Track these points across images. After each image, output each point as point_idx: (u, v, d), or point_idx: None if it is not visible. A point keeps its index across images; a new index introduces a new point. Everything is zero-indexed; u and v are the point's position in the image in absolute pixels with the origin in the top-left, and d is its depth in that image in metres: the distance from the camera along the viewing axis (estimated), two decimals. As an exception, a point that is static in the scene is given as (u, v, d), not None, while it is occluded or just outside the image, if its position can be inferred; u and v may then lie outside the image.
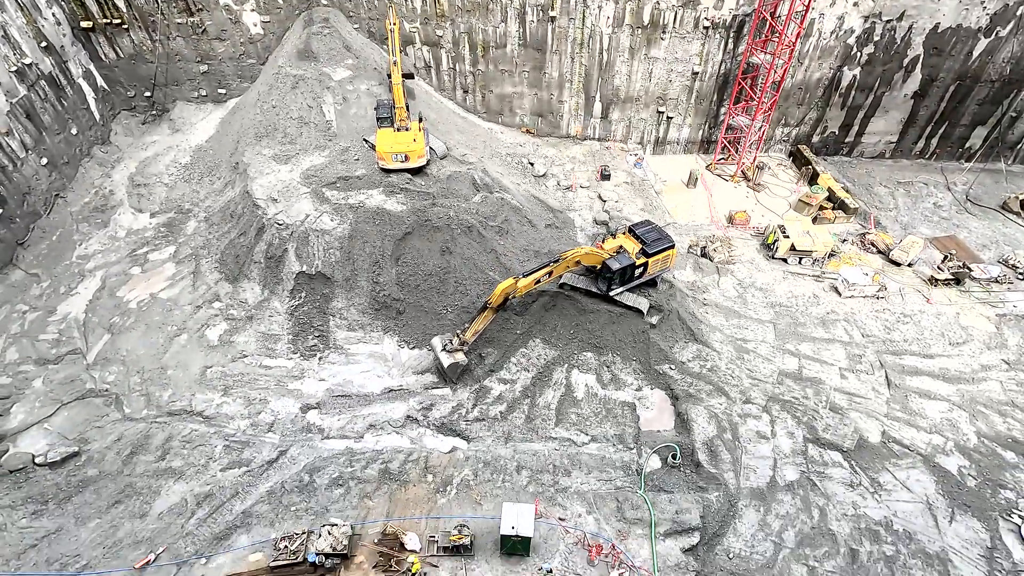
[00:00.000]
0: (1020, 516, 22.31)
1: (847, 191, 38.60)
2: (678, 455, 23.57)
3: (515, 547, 19.91)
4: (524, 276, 24.47)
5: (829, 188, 38.07)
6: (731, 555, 20.86)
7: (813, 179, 39.70)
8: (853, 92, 39.60)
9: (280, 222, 29.09)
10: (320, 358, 26.96)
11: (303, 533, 20.31)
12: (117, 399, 24.77)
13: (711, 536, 21.34)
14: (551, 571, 19.53)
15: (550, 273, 25.23)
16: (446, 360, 25.38)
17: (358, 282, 28.51)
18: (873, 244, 34.86)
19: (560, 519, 21.40)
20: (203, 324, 27.84)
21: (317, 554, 19.56)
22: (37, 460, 22.36)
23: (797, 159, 41.96)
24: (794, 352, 28.17)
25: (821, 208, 37.16)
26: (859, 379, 27.20)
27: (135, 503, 21.50)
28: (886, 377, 27.30)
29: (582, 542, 20.78)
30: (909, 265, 33.50)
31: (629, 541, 20.98)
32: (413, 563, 19.63)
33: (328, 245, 28.61)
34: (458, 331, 25.78)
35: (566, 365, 26.95)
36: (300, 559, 19.64)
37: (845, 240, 35.41)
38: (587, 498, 22.17)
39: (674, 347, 27.72)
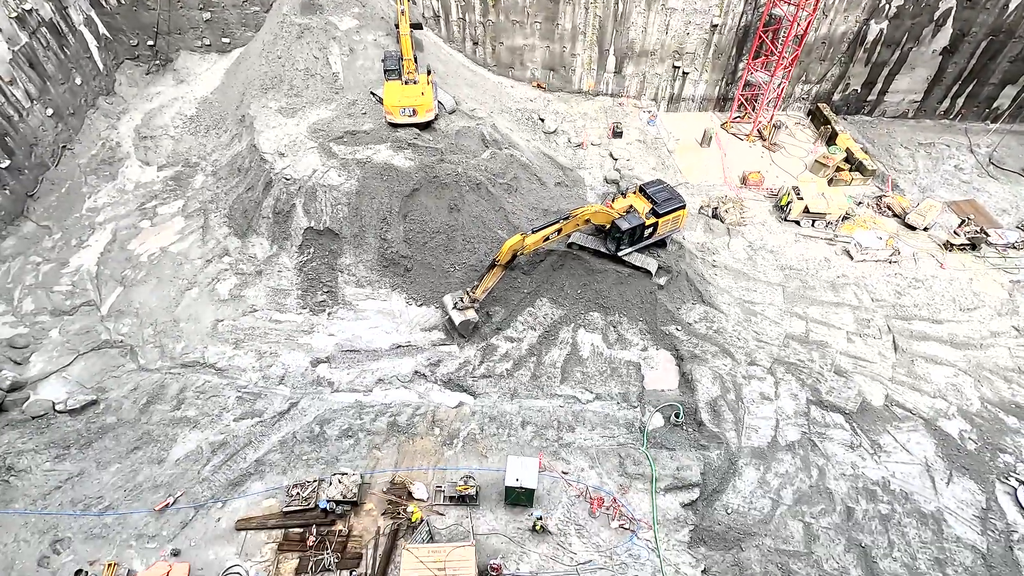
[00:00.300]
0: (1017, 479, 22.63)
1: (866, 152, 37.56)
2: (681, 414, 23.91)
3: (519, 498, 20.54)
4: (533, 232, 24.29)
5: (847, 149, 37.04)
6: (729, 510, 21.43)
7: (831, 139, 38.60)
8: (879, 47, 37.94)
9: (287, 177, 28.88)
10: (329, 313, 27.25)
11: (314, 481, 21.03)
12: (132, 350, 25.32)
13: (711, 492, 21.88)
14: (541, 518, 20.22)
15: (559, 231, 25.03)
16: (457, 317, 25.59)
17: (366, 239, 28.49)
18: (889, 207, 34.16)
19: (563, 472, 21.98)
20: (213, 278, 28.11)
21: (328, 501, 20.31)
22: (58, 407, 23.10)
23: (816, 118, 40.70)
24: (802, 315, 28.09)
25: (838, 170, 36.27)
26: (866, 343, 27.18)
27: (153, 450, 22.27)
28: (893, 342, 27.26)
29: (584, 495, 21.39)
30: (925, 229, 32.89)
31: (630, 495, 21.57)
32: (413, 511, 20.34)
33: (336, 201, 28.46)
34: (468, 289, 25.88)
35: (573, 324, 27.09)
36: (312, 505, 20.41)
37: (860, 203, 34.70)
38: (590, 453, 22.68)
39: (681, 308, 27.71)
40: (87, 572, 19.03)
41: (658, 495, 21.59)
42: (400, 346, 26.13)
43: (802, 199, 32.52)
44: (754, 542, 20.60)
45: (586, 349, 26.26)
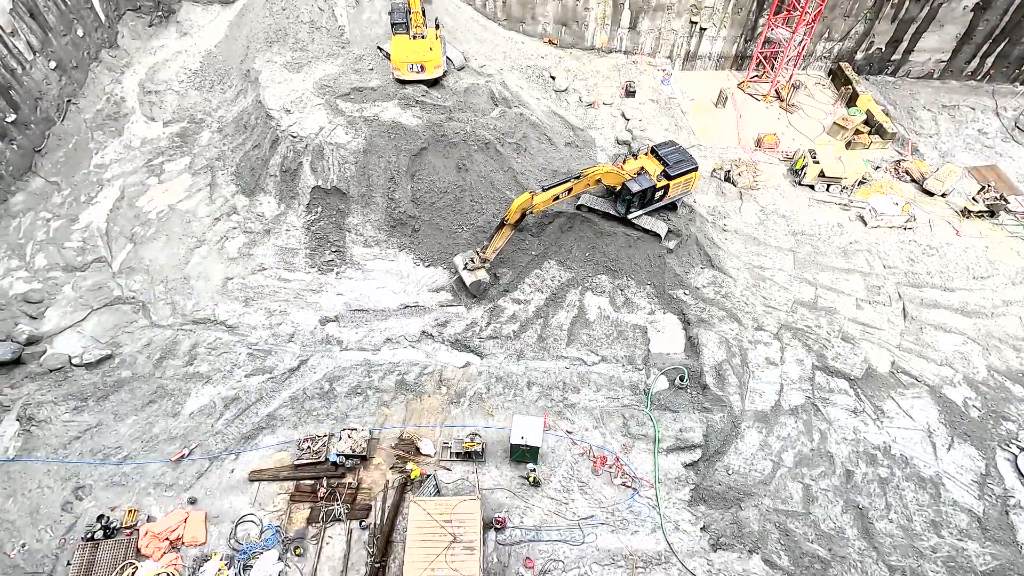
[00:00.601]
0: (1018, 446, 22.80)
1: (886, 114, 36.43)
2: (686, 377, 24.10)
3: (524, 455, 21.01)
4: (543, 191, 23.98)
5: (868, 111, 35.94)
6: (730, 471, 21.83)
7: (851, 100, 37.41)
8: (907, 3, 36.26)
9: (294, 134, 28.52)
10: (337, 273, 27.36)
11: (324, 436, 21.57)
12: (144, 306, 25.66)
13: (712, 453, 22.25)
14: (534, 469, 20.77)
15: (570, 190, 24.69)
16: (468, 278, 25.66)
17: (373, 198, 28.31)
18: (907, 172, 33.36)
19: (567, 432, 22.38)
20: (222, 237, 28.17)
21: (338, 455, 20.88)
22: (74, 361, 23.62)
23: (836, 78, 39.35)
24: (811, 281, 27.87)
25: (856, 132, 35.29)
26: (875, 310, 27.02)
27: (167, 403, 22.84)
28: (903, 309, 27.08)
29: (587, 453, 21.84)
30: (943, 195, 32.17)
31: (633, 455, 21.99)
32: (412, 469, 20.84)
33: (343, 159, 28.16)
34: (478, 249, 25.82)
35: (580, 287, 27.06)
36: (322, 459, 21.00)
37: (878, 167, 33.88)
38: (594, 414, 23.03)
39: (690, 272, 27.56)
40: (109, 517, 19.85)
41: (660, 455, 22.00)
42: (408, 306, 26.29)
43: (818, 163, 31.79)
44: (753, 502, 21.05)
45: (593, 312, 26.31)
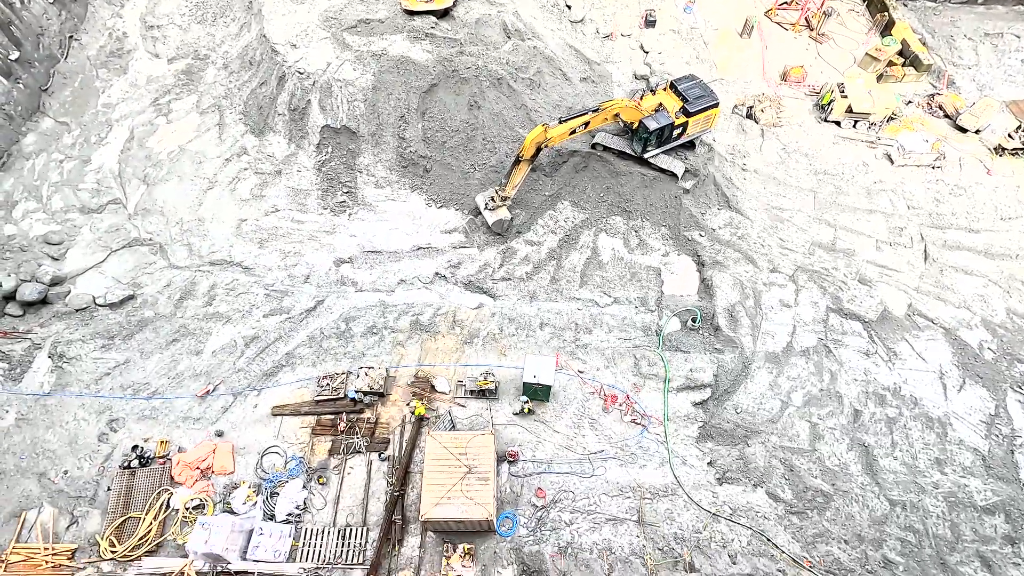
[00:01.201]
0: (1031, 388, 22.84)
1: (923, 44, 34.25)
2: (698, 319, 24.16)
3: (536, 394, 21.54)
4: (560, 123, 23.30)
5: (903, 40, 33.77)
6: (739, 410, 22.25)
7: (887, 29, 35.13)
8: (956, -83, 33.30)
9: (301, 71, 27.71)
10: (350, 214, 27.29)
11: (342, 373, 22.24)
12: (161, 248, 25.99)
13: (722, 393, 22.61)
14: (528, 401, 21.48)
15: (587, 124, 23.92)
16: (490, 217, 25.66)
17: (384, 137, 27.77)
18: (941, 107, 31.73)
19: (579, 371, 22.80)
20: (233, 178, 28.03)
21: (356, 392, 21.58)
22: (98, 301, 24.26)
23: (872, 4, 36.79)
24: (831, 223, 27.25)
25: (890, 64, 33.34)
26: (895, 252, 26.50)
27: (190, 342, 23.54)
28: (924, 251, 26.51)
29: (598, 392, 22.32)
30: (977, 132, 30.69)
31: (643, 393, 22.44)
32: (416, 406, 21.41)
33: (352, 97, 27.44)
34: (497, 187, 25.49)
35: (594, 228, 26.77)
36: (341, 395, 21.74)
37: (910, 102, 32.24)
38: (606, 354, 23.35)
39: (706, 213, 27.04)
40: (142, 448, 20.97)
41: (670, 394, 22.42)
42: (420, 248, 26.31)
43: (846, 97, 30.31)
44: (760, 439, 21.56)
45: (606, 254, 26.14)
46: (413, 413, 21.49)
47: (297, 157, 28.35)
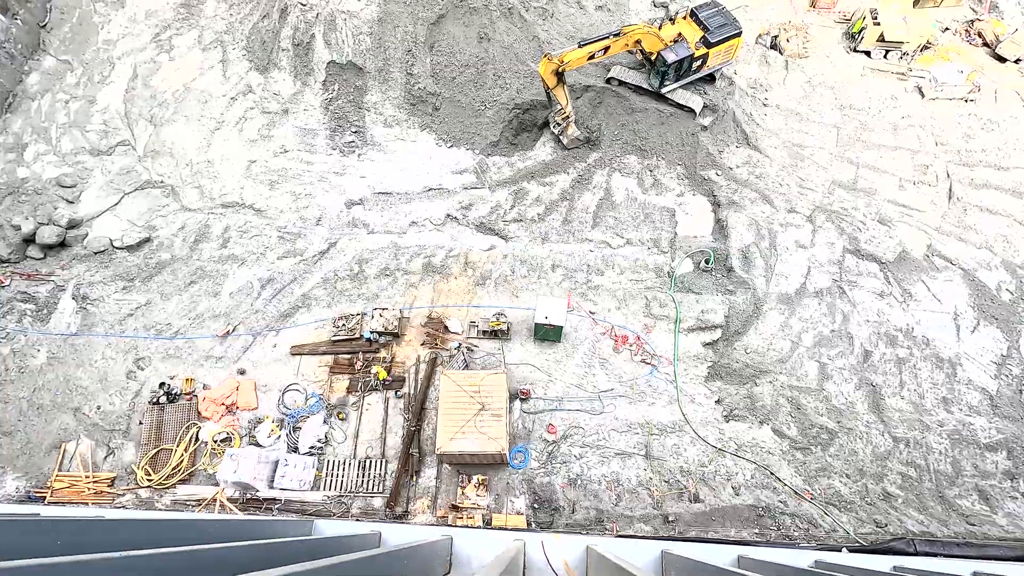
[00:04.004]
0: (1046, 329, 22.67)
1: (967, -37, 31.75)
2: (711, 260, 23.98)
3: (547, 334, 21.86)
4: (579, 47, 22.40)
5: (946, -41, 31.30)
6: (748, 351, 22.46)
7: (928, -53, 32.48)
8: None
9: (303, 2, 26.57)
10: (359, 155, 26.90)
11: (357, 314, 22.66)
12: (173, 190, 26.00)
13: (732, 334, 22.77)
14: (503, 312, 22.08)
15: (606, 49, 22.96)
16: (565, 140, 25.83)
17: (391, 73, 26.90)
18: (980, 34, 29.78)
19: (590, 312, 23.00)
20: (240, 117, 27.55)
21: (371, 332, 22.05)
22: (115, 244, 24.59)
23: (915, -82, 33.85)
24: (853, 161, 26.36)
25: (928, -13, 31.09)
26: (918, 191, 25.72)
27: (207, 284, 23.98)
28: (949, 189, 25.70)
29: (609, 332, 22.59)
30: (1016, 61, 28.92)
31: (653, 334, 22.68)
32: (379, 372, 21.53)
33: (357, 30, 26.40)
34: (553, 113, 25.27)
35: (607, 168, 26.20)
36: (357, 335, 22.24)
37: (947, 29, 30.26)
38: (617, 296, 23.44)
39: (724, 152, 26.26)
40: (169, 384, 21.86)
41: (680, 335, 22.64)
42: (431, 189, 26.05)
43: (879, 24, 28.49)
44: (768, 378, 21.88)
45: (620, 194, 25.71)
46: (377, 376, 21.52)
47: (303, 95, 27.68)
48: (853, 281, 23.68)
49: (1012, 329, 22.79)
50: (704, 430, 20.98)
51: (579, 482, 20.19)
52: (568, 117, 24.93)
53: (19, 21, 28.31)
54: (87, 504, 20.08)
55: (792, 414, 21.35)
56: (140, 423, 21.38)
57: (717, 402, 21.56)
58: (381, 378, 21.58)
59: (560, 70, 22.61)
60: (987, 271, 23.95)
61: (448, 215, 25.42)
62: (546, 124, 26.21)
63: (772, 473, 20.33)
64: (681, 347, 22.43)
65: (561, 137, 25.91)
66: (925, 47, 29.01)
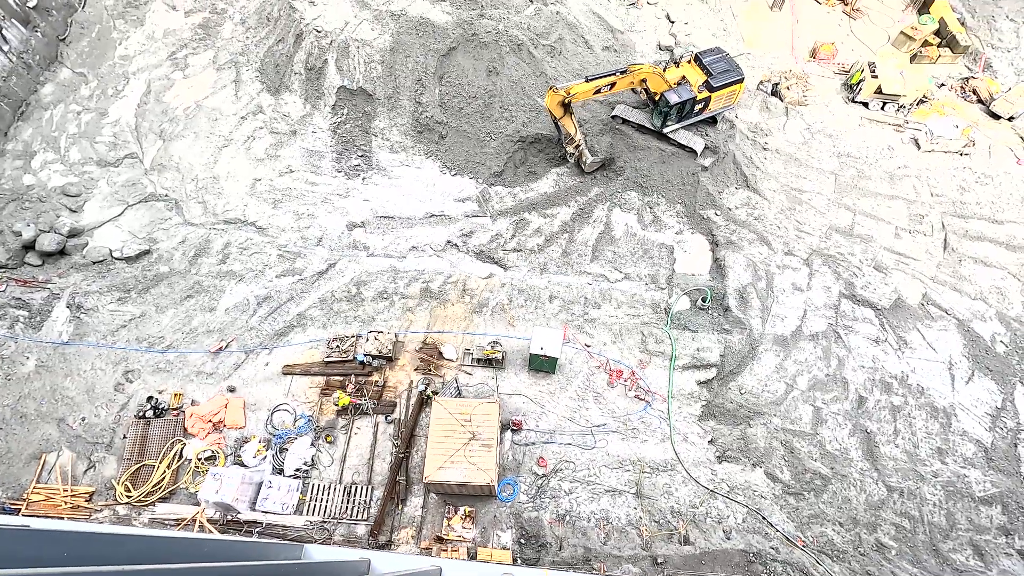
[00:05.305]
0: (1041, 383, 22.66)
1: (962, 24, 32.87)
2: (708, 298, 24.07)
3: (542, 365, 21.75)
4: (586, 81, 23.05)
5: (941, 19, 32.42)
6: (743, 391, 22.35)
7: (925, 6, 33.70)
8: None
9: (318, 28, 27.28)
10: (364, 178, 27.20)
11: (352, 336, 22.55)
12: (177, 204, 26.17)
13: (727, 373, 22.69)
14: (499, 341, 22.14)
15: (613, 85, 23.60)
16: (586, 167, 26.36)
17: (400, 101, 27.43)
18: (975, 91, 30.64)
19: (586, 345, 22.94)
20: (248, 136, 27.94)
21: (365, 355, 21.91)
22: (115, 254, 24.61)
23: (912, -21, 35.22)
24: (850, 207, 26.75)
25: (925, 44, 32.10)
26: (914, 240, 26.04)
27: (204, 299, 23.91)
28: (944, 240, 26.03)
29: (604, 367, 22.49)
30: (1010, 119, 29.68)
31: (648, 370, 22.58)
32: (340, 397, 21.21)
33: (369, 58, 27.03)
34: (563, 143, 25.74)
35: (608, 203, 26.52)
36: (350, 358, 22.08)
37: (943, 85, 31.14)
38: (613, 330, 23.42)
39: (723, 192, 26.64)
40: (157, 399, 21.57)
41: (675, 372, 22.54)
42: (433, 215, 26.27)
43: (876, 77, 29.33)
44: (762, 420, 21.71)
45: (620, 229, 25.95)
46: (336, 403, 21.22)
47: (312, 118, 28.15)
48: (849, 326, 23.75)
49: (1006, 382, 22.78)
50: (696, 470, 20.69)
51: (568, 518, 19.80)
52: (579, 145, 25.36)
53: (39, 33, 28.94)
54: (62, 519, 19.56)
55: (785, 458, 21.12)
56: (124, 437, 21.02)
57: (710, 442, 21.33)
58: (341, 404, 21.14)
59: (566, 102, 23.16)
60: (982, 322, 24.07)
61: (449, 241, 25.58)
62: (562, 158, 26.75)
63: (764, 518, 19.99)
64: (676, 384, 22.32)
65: (581, 165, 26.43)
66: (921, 101, 29.80)
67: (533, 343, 21.02)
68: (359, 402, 21.33)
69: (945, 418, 22.01)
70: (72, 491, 20.05)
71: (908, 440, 21.58)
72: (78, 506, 19.86)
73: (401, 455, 20.43)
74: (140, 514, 19.87)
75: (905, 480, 20.85)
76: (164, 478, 20.20)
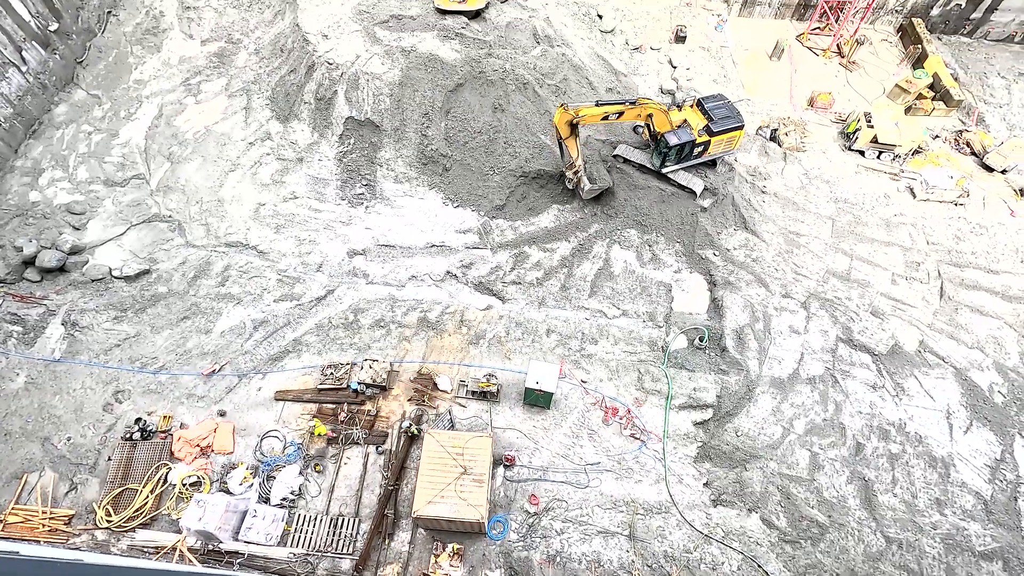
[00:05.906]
0: (1039, 436, 22.44)
1: (955, 79, 33.91)
2: (706, 338, 24.03)
3: (537, 400, 21.54)
4: (597, 105, 23.60)
5: (935, 74, 33.47)
6: (739, 433, 22.08)
7: (919, 61, 34.84)
8: (998, -46, 33.00)
9: (330, 61, 28.02)
10: (367, 207, 27.49)
11: (347, 364, 22.38)
12: (180, 226, 26.35)
13: (724, 414, 22.46)
14: (494, 374, 21.96)
15: (620, 114, 24.18)
16: (584, 193, 26.55)
17: (406, 133, 27.97)
18: (968, 144, 31.37)
19: (582, 381, 22.77)
20: (255, 162, 28.37)
21: (359, 383, 21.70)
22: (114, 273, 24.63)
23: (906, 35, 36.52)
24: (847, 252, 27.01)
25: (919, 97, 33.04)
26: (910, 287, 26.20)
27: (200, 320, 23.83)
28: (940, 288, 26.19)
29: (600, 404, 22.27)
30: (1003, 172, 30.31)
31: (644, 408, 22.36)
32: (317, 425, 20.93)
33: (378, 91, 27.69)
34: (565, 169, 26.04)
35: (608, 240, 26.76)
36: (344, 385, 21.88)
37: (937, 137, 31.92)
38: (610, 366, 23.29)
39: (722, 233, 26.92)
40: (145, 421, 21.23)
41: (671, 412, 22.32)
42: (434, 245, 26.44)
43: (872, 127, 30.06)
44: (758, 464, 21.38)
45: (618, 266, 26.11)
46: (313, 432, 20.97)
47: (319, 146, 28.63)
48: (846, 371, 23.66)
49: (1005, 433, 22.56)
50: (691, 513, 20.27)
51: (558, 559, 19.27)
52: (578, 171, 25.71)
53: (58, 55, 29.69)
54: (38, 542, 18.98)
55: (782, 503, 20.71)
56: (109, 459, 20.60)
57: (705, 484, 20.95)
58: (317, 433, 20.82)
59: (575, 122, 23.63)
60: (979, 371, 24.00)
61: (448, 272, 25.68)
62: (559, 178, 27.00)
63: (760, 566, 19.47)
64: (671, 424, 22.07)
65: (578, 191, 26.69)
66: (916, 151, 30.47)
67: (529, 377, 20.87)
68: (333, 434, 20.94)
69: (944, 468, 21.70)
70: (51, 513, 19.52)
71: (906, 489, 21.22)
72: (56, 529, 19.31)
73: (391, 487, 20.02)
74: (119, 540, 19.29)
75: (904, 531, 20.41)
76: (147, 503, 19.71)
